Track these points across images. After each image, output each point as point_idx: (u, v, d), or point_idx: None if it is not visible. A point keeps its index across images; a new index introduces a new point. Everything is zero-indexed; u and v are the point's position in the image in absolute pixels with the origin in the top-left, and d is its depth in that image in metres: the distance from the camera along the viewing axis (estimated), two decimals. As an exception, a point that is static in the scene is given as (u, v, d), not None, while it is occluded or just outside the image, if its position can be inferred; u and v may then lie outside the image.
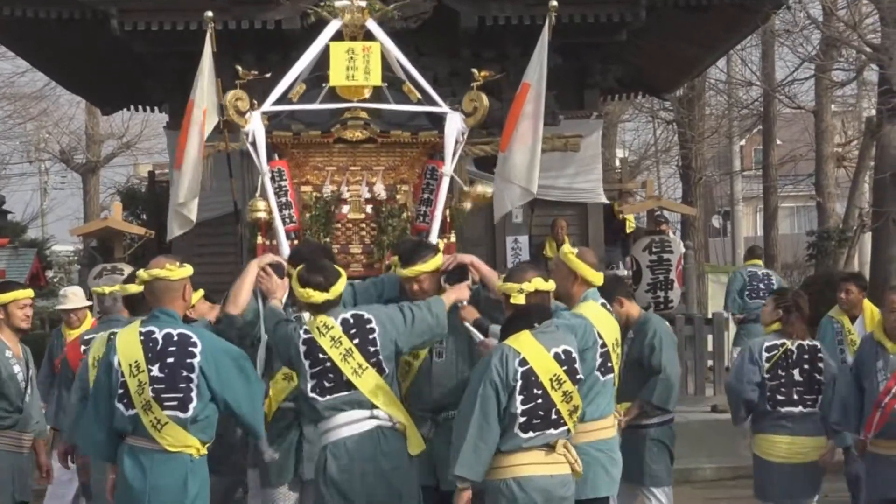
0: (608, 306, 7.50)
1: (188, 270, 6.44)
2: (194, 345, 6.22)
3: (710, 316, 15.18)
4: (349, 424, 6.50)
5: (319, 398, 6.47)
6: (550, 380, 6.33)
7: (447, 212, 9.14)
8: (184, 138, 9.67)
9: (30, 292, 8.53)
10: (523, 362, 6.30)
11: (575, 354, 6.49)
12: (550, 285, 6.79)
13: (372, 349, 6.51)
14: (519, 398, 6.28)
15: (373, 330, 6.55)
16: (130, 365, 6.18)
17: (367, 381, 6.48)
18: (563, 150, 12.64)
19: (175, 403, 6.15)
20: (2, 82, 31.56)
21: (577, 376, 6.47)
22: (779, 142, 29.02)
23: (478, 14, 14.13)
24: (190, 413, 6.16)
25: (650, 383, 8.23)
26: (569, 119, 15.51)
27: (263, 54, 14.78)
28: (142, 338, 6.22)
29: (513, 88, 13.62)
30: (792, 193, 35.42)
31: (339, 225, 9.19)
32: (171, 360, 6.16)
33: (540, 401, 6.31)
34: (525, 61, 10.07)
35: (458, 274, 7.21)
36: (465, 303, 7.13)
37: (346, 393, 6.45)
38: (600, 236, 17.26)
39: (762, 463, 8.63)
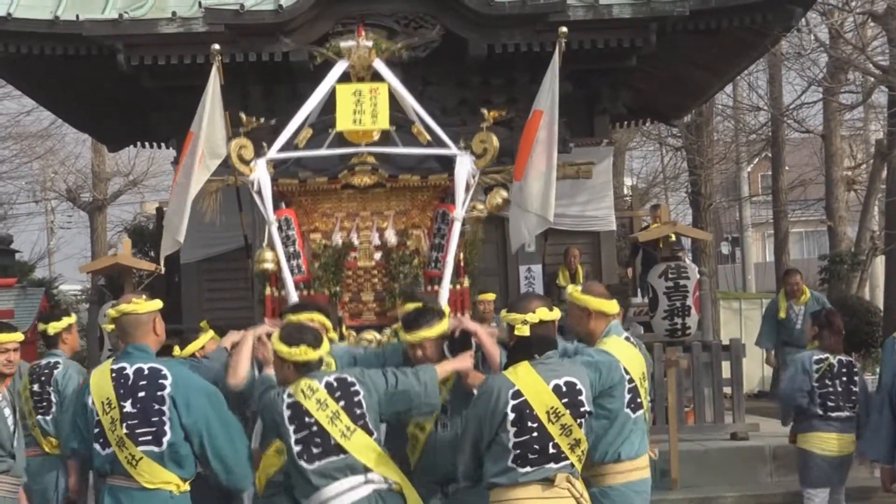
0: (632, 339, 7.33)
1: (156, 304, 6.44)
2: (164, 377, 6.18)
3: (726, 342, 14.97)
4: (344, 493, 6.32)
5: (308, 465, 6.29)
6: (547, 412, 6.17)
7: (460, 255, 9.00)
8: (179, 169, 9.59)
9: (15, 336, 8.18)
10: (517, 395, 6.16)
11: (580, 387, 6.31)
12: (555, 314, 6.74)
13: (358, 411, 6.37)
14: (511, 430, 6.15)
15: (357, 392, 6.41)
16: (103, 403, 6.17)
17: (357, 442, 6.32)
18: (575, 177, 12.54)
19: (149, 438, 6.11)
20: (7, 122, 31.53)
21: (581, 409, 6.29)
22: (787, 167, 28.88)
23: (486, 42, 14.07)
24: (164, 447, 6.12)
25: None
26: (579, 146, 15.45)
27: (271, 87, 14.76)
28: (113, 374, 6.21)
29: (523, 116, 13.60)
30: (802, 218, 35.31)
31: (349, 273, 9.05)
32: (142, 394, 6.13)
33: (535, 434, 6.16)
34: (534, 88, 10.00)
35: (461, 342, 7.05)
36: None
37: (335, 458, 6.29)
38: (613, 264, 17.18)
39: (813, 456, 9.89)
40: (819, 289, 27.30)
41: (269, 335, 6.81)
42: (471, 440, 6.31)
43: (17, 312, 16.65)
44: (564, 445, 6.21)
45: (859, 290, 22.97)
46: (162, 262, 10.47)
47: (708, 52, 16.42)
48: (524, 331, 6.47)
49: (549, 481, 6.19)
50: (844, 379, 9.85)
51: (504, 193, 9.26)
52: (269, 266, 8.81)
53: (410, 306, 7.38)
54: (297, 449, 6.29)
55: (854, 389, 9.86)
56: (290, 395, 6.33)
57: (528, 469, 6.16)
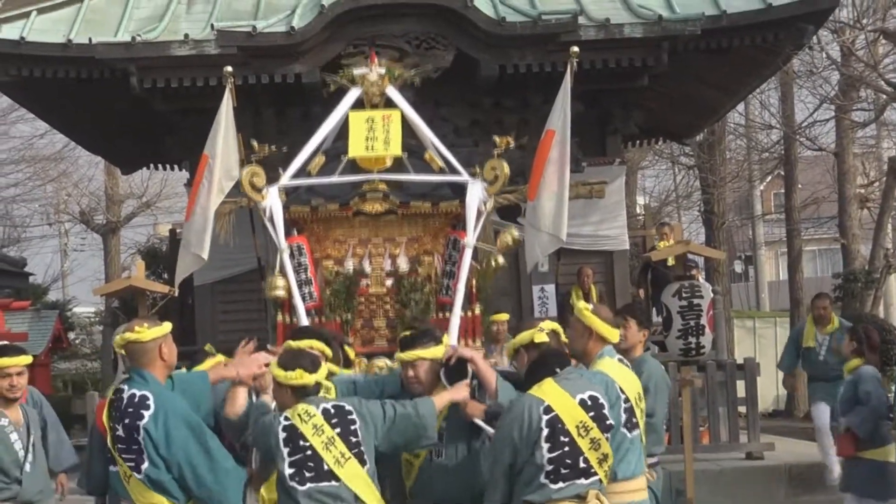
0: (625, 361, 7.34)
1: (162, 330, 6.45)
2: (147, 408, 6.22)
3: (741, 361, 14.93)
4: None
5: (299, 486, 6.27)
6: (577, 427, 6.20)
7: (472, 282, 8.99)
8: (194, 191, 9.60)
9: (18, 360, 8.04)
10: (548, 410, 6.19)
11: (602, 401, 6.36)
12: (558, 327, 6.83)
13: (353, 440, 6.36)
14: (545, 446, 6.16)
15: (354, 421, 6.41)
16: (108, 423, 6.35)
17: (350, 471, 6.31)
18: (588, 197, 12.50)
19: (132, 464, 6.21)
20: (21, 145, 31.68)
21: (607, 422, 6.34)
22: (800, 185, 28.83)
23: (498, 62, 14.09)
24: (142, 475, 6.18)
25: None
26: (592, 166, 15.44)
27: (283, 109, 14.79)
28: (114, 397, 6.35)
29: (535, 136, 13.60)
30: (815, 236, 35.24)
31: (361, 299, 9.05)
32: (126, 420, 6.22)
33: (567, 449, 6.18)
34: (546, 108, 10.00)
35: (457, 370, 7.03)
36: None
37: (326, 483, 6.26)
38: (626, 284, 17.15)
39: (883, 466, 9.61)
40: (833, 307, 27.36)
41: (266, 365, 6.81)
42: (504, 468, 6.27)
43: (31, 335, 16.70)
44: (593, 460, 6.23)
45: (873, 308, 22.88)
46: (177, 283, 10.49)
47: (720, 70, 16.43)
48: (543, 336, 6.48)
49: (580, 498, 6.22)
50: None
51: (515, 233, 9.28)
52: (281, 293, 8.83)
53: (408, 332, 7.39)
54: (289, 472, 6.29)
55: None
56: (286, 419, 6.35)
57: (560, 485, 6.17)
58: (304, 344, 7.19)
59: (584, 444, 6.20)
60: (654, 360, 8.28)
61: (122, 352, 8.15)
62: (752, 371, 14.40)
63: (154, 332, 6.39)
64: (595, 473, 6.25)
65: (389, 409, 6.57)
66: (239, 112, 9.73)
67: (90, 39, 14.14)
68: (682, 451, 12.00)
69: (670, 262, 16.44)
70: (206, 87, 13.63)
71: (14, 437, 7.92)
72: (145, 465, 6.16)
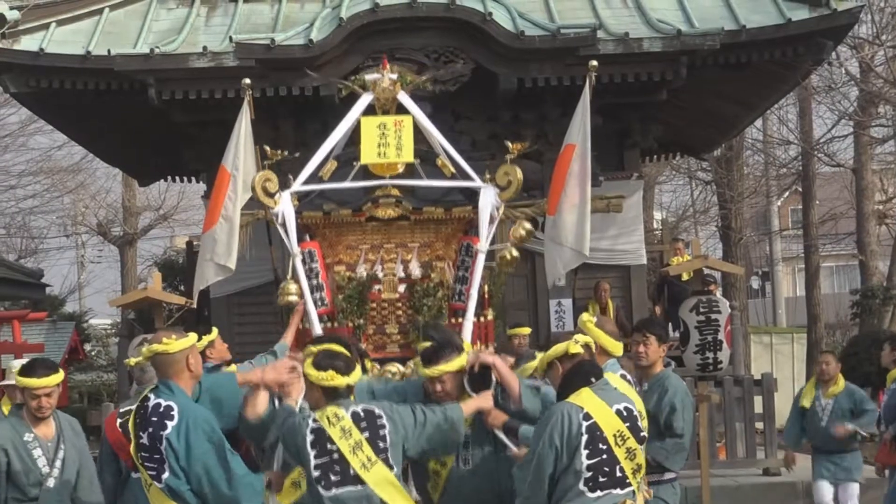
0: (628, 377, 7.29)
1: (188, 341, 6.44)
2: (171, 418, 6.24)
3: (758, 377, 14.87)
4: None
5: (325, 492, 6.23)
6: (614, 435, 6.20)
7: (485, 288, 8.97)
8: (213, 203, 9.59)
9: (48, 381, 7.67)
10: (587, 416, 6.18)
11: (636, 412, 6.36)
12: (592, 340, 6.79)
13: (381, 444, 6.32)
14: (584, 453, 6.15)
15: (383, 426, 6.36)
16: (132, 431, 6.36)
17: (376, 475, 6.26)
18: (605, 211, 12.45)
19: (153, 472, 6.23)
20: (39, 156, 31.79)
21: (642, 434, 6.35)
22: (817, 201, 28.79)
23: (516, 75, 14.09)
24: (162, 484, 6.19)
25: (665, 444, 7.82)
26: (609, 180, 15.42)
27: (301, 121, 14.79)
28: (139, 406, 6.36)
29: (553, 150, 13.56)
30: (833, 252, 35.15)
31: (373, 305, 9.03)
32: (150, 429, 6.24)
33: (605, 457, 6.17)
34: (564, 122, 9.95)
35: (481, 376, 7.00)
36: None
37: (352, 488, 6.22)
38: (643, 297, 17.09)
39: None
40: (851, 323, 27.23)
41: (293, 369, 6.77)
42: (547, 475, 6.22)
43: (47, 346, 16.73)
44: (629, 470, 6.23)
45: (891, 325, 22.83)
46: (195, 293, 10.49)
47: (738, 85, 16.41)
48: (577, 348, 6.49)
49: None
50: None
51: (527, 225, 9.21)
52: (293, 298, 8.80)
53: (427, 343, 7.35)
54: (315, 474, 6.25)
55: None
56: (315, 421, 6.31)
57: (598, 494, 6.16)
58: (323, 348, 7.17)
59: (620, 453, 6.20)
60: (677, 377, 8.22)
61: (134, 362, 8.18)
62: (769, 387, 14.36)
63: (182, 343, 6.40)
64: (629, 484, 6.25)
65: (420, 414, 6.54)
66: (257, 124, 9.71)
67: (109, 51, 14.18)
68: (698, 467, 11.95)
69: (685, 276, 16.41)
70: (224, 100, 13.65)
71: (38, 452, 7.79)
72: (166, 475, 6.17)
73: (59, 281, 35.90)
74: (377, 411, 6.40)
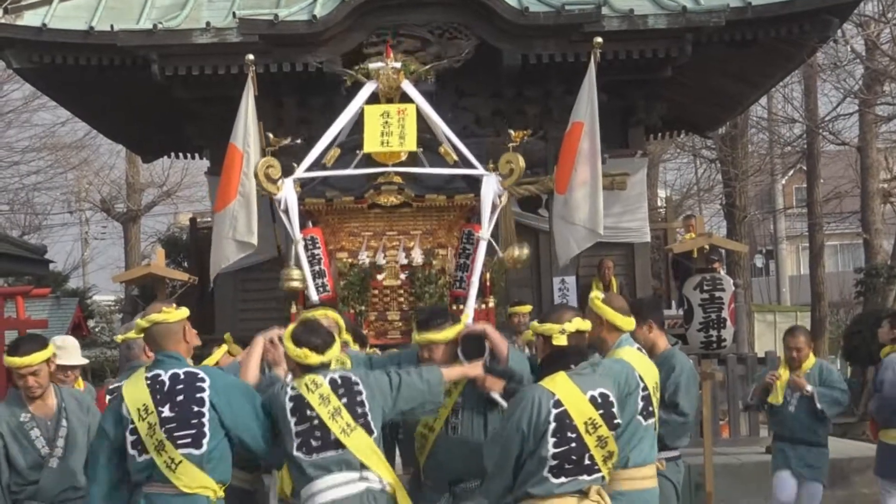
0: (643, 350, 7.29)
1: (185, 312, 6.44)
2: (202, 380, 6.19)
3: (761, 355, 14.85)
4: (336, 487, 6.27)
5: (305, 457, 6.26)
6: (585, 423, 6.13)
7: (486, 275, 8.96)
8: (226, 180, 9.60)
9: (33, 358, 7.34)
10: (558, 404, 6.12)
11: (612, 398, 6.29)
12: (587, 325, 6.70)
13: (360, 410, 6.32)
14: (551, 441, 6.09)
15: (360, 392, 6.36)
16: (139, 409, 6.12)
17: (356, 440, 6.27)
18: (609, 188, 12.48)
19: (189, 440, 6.09)
20: (43, 132, 31.77)
21: (615, 421, 6.27)
22: (822, 179, 28.74)
23: (521, 52, 14.01)
24: (204, 448, 6.10)
25: (670, 421, 7.68)
26: (614, 158, 15.37)
27: (305, 97, 14.75)
28: (148, 382, 6.18)
29: (557, 127, 13.56)
30: (837, 231, 35.12)
31: (375, 292, 9.03)
32: (180, 397, 6.12)
33: (573, 445, 6.11)
34: (569, 99, 9.96)
35: (474, 346, 6.98)
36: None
37: (333, 453, 6.25)
38: (647, 275, 17.07)
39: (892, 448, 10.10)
40: (854, 302, 27.21)
41: (280, 338, 6.80)
42: (512, 458, 6.21)
43: (51, 322, 16.71)
44: (598, 457, 6.17)
45: (895, 303, 22.81)
46: (214, 272, 10.55)
47: (743, 63, 16.35)
48: (562, 340, 6.41)
49: (582, 493, 6.16)
50: None
51: (526, 251, 9.24)
52: (296, 284, 8.82)
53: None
54: (296, 441, 6.26)
55: None
56: (293, 388, 6.32)
57: (562, 480, 6.11)
58: (319, 313, 7.20)
59: (590, 441, 6.14)
60: (683, 354, 8.20)
61: (121, 338, 8.02)
62: (773, 365, 14.29)
63: (179, 313, 6.39)
64: (599, 470, 6.20)
65: (395, 377, 6.55)
66: (260, 101, 9.72)
67: (112, 27, 14.12)
68: (701, 445, 11.95)
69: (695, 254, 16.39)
70: (227, 76, 13.60)
71: (35, 433, 7.42)
72: (207, 439, 6.10)
73: (62, 257, 35.97)
74: (353, 378, 6.41)
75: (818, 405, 10.09)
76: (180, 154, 21.40)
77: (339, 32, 13.76)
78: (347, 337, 7.44)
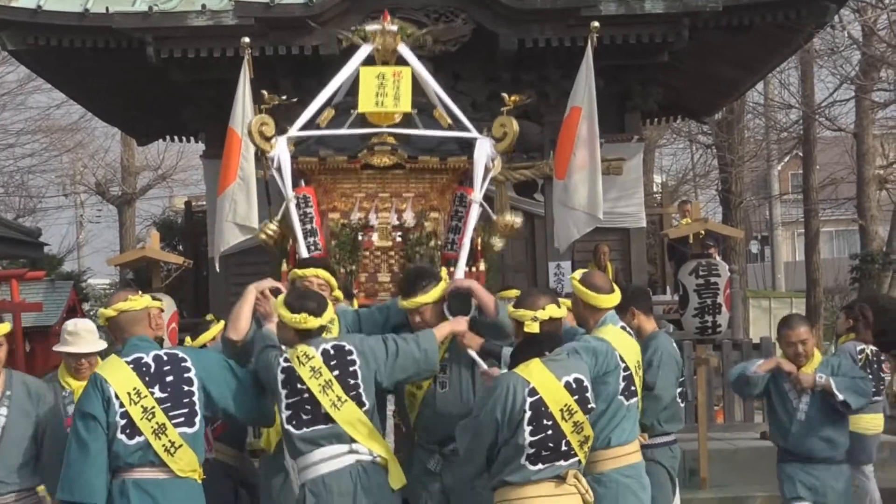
0: (628, 329, 7.32)
1: (147, 300, 6.51)
2: (184, 360, 6.26)
3: (756, 341, 14.84)
4: (327, 460, 6.30)
5: (295, 430, 6.29)
6: (561, 410, 6.11)
7: (477, 240, 8.94)
8: (225, 164, 9.59)
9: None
10: (533, 392, 6.09)
11: (587, 383, 6.27)
12: (563, 312, 6.60)
13: (352, 381, 6.33)
14: (527, 429, 6.06)
15: (353, 362, 6.37)
16: (129, 393, 6.09)
17: (346, 414, 6.29)
18: (605, 173, 12.43)
19: (182, 419, 6.13)
20: (37, 115, 31.65)
21: (589, 405, 6.26)
22: (818, 165, 28.72)
23: (517, 36, 14.00)
24: (197, 426, 6.17)
25: (644, 401, 7.59)
26: (610, 143, 15.31)
27: (301, 80, 14.70)
28: (131, 366, 6.16)
29: (554, 112, 13.55)
30: (833, 217, 35.12)
31: (366, 252, 9.01)
32: (170, 378, 6.17)
33: (550, 432, 6.09)
34: (565, 83, 9.94)
35: (460, 302, 7.02)
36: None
37: (322, 426, 6.27)
38: (643, 260, 17.07)
39: (863, 437, 10.31)
40: (850, 288, 27.23)
41: (272, 290, 6.78)
42: (484, 445, 6.21)
43: (45, 305, 16.66)
44: (575, 443, 6.16)
45: (891, 290, 22.82)
46: (217, 255, 10.58)
47: (740, 48, 16.31)
48: (534, 327, 6.35)
49: (560, 478, 6.15)
50: (875, 366, 10.55)
51: (518, 220, 9.21)
52: (267, 236, 8.88)
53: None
54: (286, 413, 6.30)
55: (882, 376, 10.71)
56: (286, 360, 6.32)
57: (539, 466, 6.10)
58: (310, 273, 7.19)
59: (566, 427, 6.12)
60: (666, 337, 8.20)
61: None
62: (768, 351, 14.30)
63: (144, 301, 6.46)
64: (575, 455, 6.19)
65: (392, 344, 6.54)
66: (256, 83, 9.68)
67: (107, 9, 14.08)
68: (696, 431, 11.96)
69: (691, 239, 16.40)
70: (223, 59, 13.58)
71: (2, 411, 6.77)
72: (198, 417, 6.17)
73: (57, 240, 35.82)
74: (347, 347, 6.41)
75: (839, 395, 8.02)
76: (176, 137, 21.37)
77: (336, 15, 13.73)
78: (338, 294, 7.43)
